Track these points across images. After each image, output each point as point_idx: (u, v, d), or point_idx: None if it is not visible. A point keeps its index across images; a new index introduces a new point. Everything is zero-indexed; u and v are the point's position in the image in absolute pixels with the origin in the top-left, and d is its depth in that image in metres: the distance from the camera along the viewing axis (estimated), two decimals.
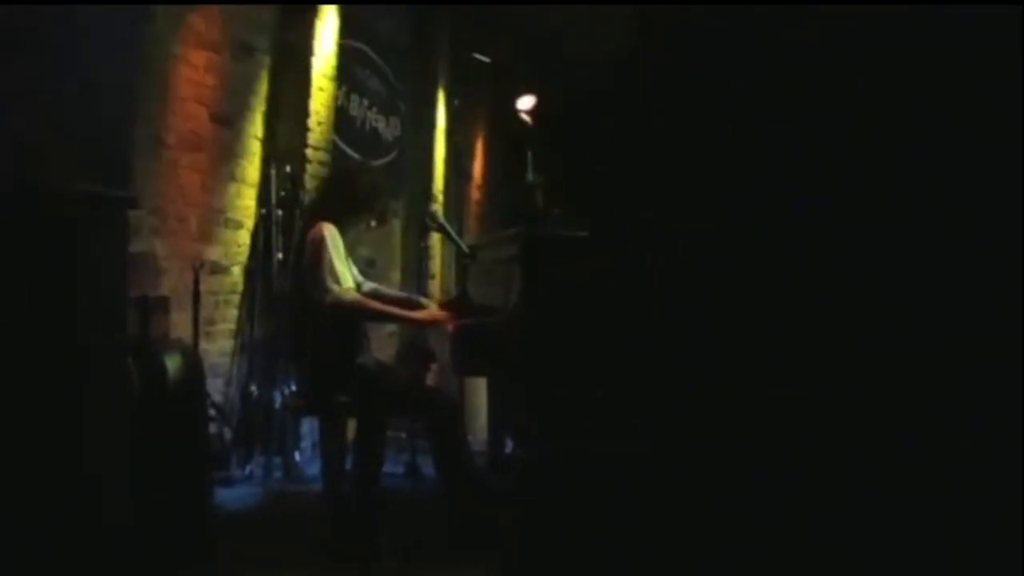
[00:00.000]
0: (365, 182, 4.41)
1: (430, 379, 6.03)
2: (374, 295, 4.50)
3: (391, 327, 7.79)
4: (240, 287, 5.79)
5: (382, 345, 7.54)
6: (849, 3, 0.87)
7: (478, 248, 4.73)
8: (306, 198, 5.89)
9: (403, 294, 4.71)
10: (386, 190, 4.60)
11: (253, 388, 5.63)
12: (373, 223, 4.44)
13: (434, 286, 8.34)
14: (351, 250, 4.42)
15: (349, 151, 7.00)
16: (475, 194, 10.11)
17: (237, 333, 5.74)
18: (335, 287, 4.05)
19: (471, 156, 9.89)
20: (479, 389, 5.59)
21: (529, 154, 4.50)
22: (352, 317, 4.18)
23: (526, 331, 3.23)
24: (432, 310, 4.41)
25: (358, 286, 4.42)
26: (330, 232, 4.14)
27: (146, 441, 3.49)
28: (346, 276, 4.15)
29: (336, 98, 6.62)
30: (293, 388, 5.35)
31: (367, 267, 6.13)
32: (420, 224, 5.39)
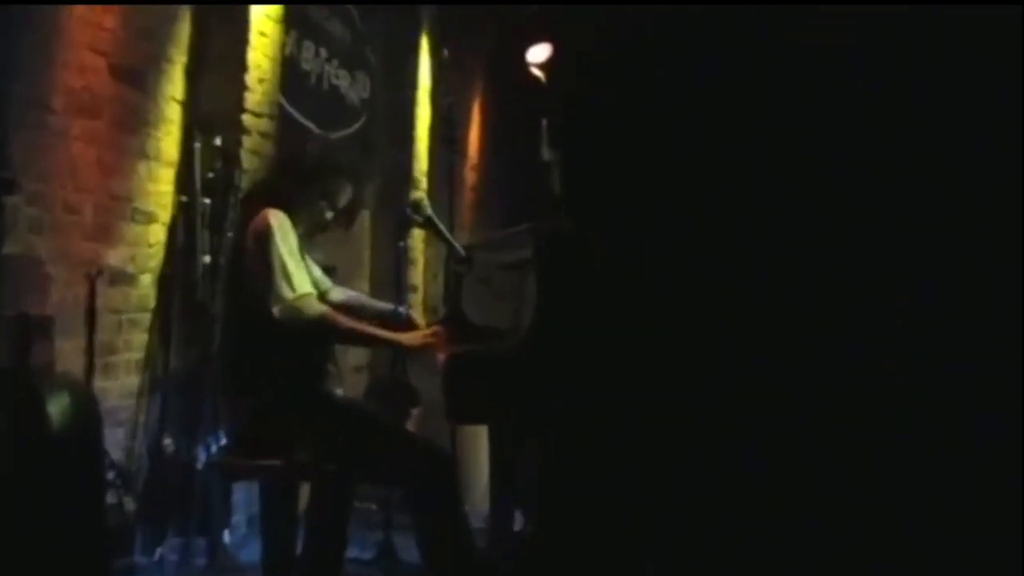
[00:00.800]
0: (327, 166, 4.45)
1: (412, 427, 5.98)
2: (347, 307, 4.52)
3: (358, 355, 7.74)
4: (152, 302, 5.75)
5: (346, 382, 7.50)
6: (850, 3, 1.13)
7: (476, 249, 4.70)
8: (243, 181, 5.85)
9: (387, 305, 4.71)
10: (358, 174, 4.60)
11: (167, 441, 5.59)
12: (329, 215, 4.44)
13: (415, 301, 8.31)
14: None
15: (300, 118, 6.97)
16: (471, 176, 10.10)
17: (147, 366, 5.69)
18: (289, 295, 4.03)
19: (465, 126, 9.88)
20: (479, 442, 5.55)
21: (543, 123, 4.50)
22: (314, 338, 4.17)
23: (544, 364, 3.20)
24: (422, 331, 4.40)
25: (323, 294, 4.41)
26: (278, 221, 4.14)
27: (19, 514, 3.44)
28: (303, 280, 4.13)
29: (283, 47, 6.59)
30: (223, 441, 5.29)
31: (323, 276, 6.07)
32: (397, 217, 5.33)
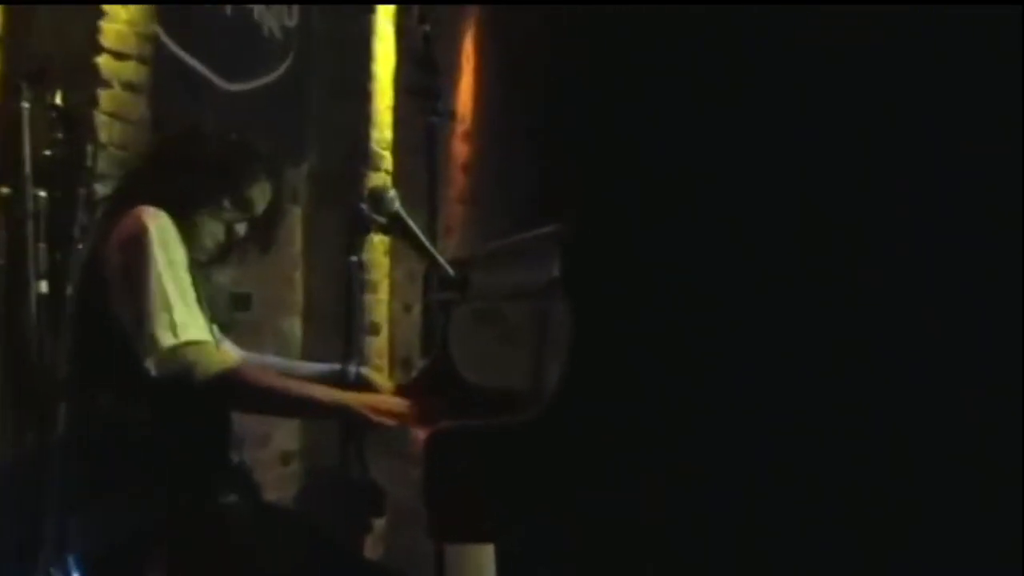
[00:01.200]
0: (232, 150, 4.46)
1: (372, 550, 5.99)
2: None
3: (288, 435, 7.76)
4: None
5: (269, 479, 7.52)
6: (851, 2, 1.43)
7: (473, 267, 4.71)
8: (99, 162, 5.88)
9: (325, 367, 4.71)
10: (276, 167, 4.60)
11: None
12: (240, 230, 4.44)
13: (377, 349, 8.33)
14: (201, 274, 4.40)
15: (190, 60, 7.00)
16: (461, 148, 10.14)
17: None
18: (167, 340, 4.04)
19: (452, 67, 9.91)
20: (481, 571, 5.57)
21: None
22: (212, 409, 4.18)
23: (582, 447, 3.21)
24: (382, 397, 4.40)
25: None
26: (157, 224, 4.14)
27: None
28: (191, 317, 4.13)
29: None
30: (75, 575, 5.32)
31: (233, 311, 6.11)
32: (345, 216, 5.34)
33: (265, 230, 4.55)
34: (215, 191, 4.36)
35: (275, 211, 4.56)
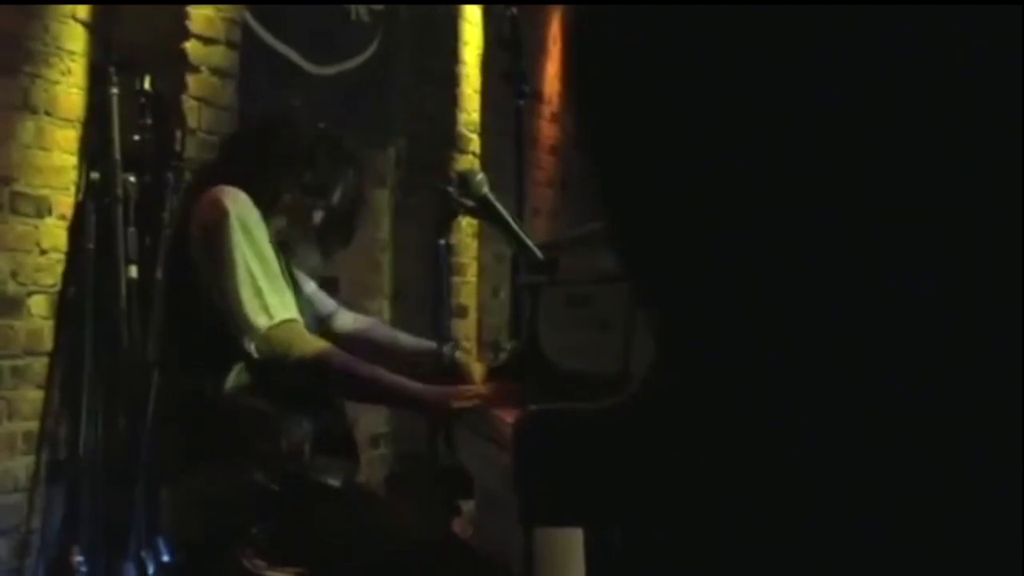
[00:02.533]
0: (309, 128, 4.46)
1: (461, 530, 5.99)
2: (363, 342, 4.58)
3: (376, 419, 7.77)
4: (48, 342, 5.83)
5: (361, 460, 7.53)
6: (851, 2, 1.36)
7: (562, 250, 4.69)
8: (185, 143, 5.89)
9: (426, 343, 4.71)
10: (355, 159, 4.59)
11: (79, 559, 5.64)
12: (316, 217, 4.44)
13: (466, 332, 8.32)
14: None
15: (278, 45, 7.01)
16: (549, 130, 10.12)
17: (42, 441, 5.76)
18: (261, 321, 4.04)
19: (539, 51, 9.90)
20: (569, 554, 5.56)
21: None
22: (303, 385, 4.19)
23: (675, 430, 3.18)
24: (470, 387, 4.39)
25: (322, 322, 4.43)
26: (237, 204, 4.14)
27: None
28: (280, 297, 4.13)
29: None
30: (166, 557, 5.34)
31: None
32: (434, 200, 5.34)
33: (345, 222, 4.55)
34: (296, 179, 4.36)
35: (355, 203, 4.56)
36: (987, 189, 1.37)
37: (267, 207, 4.25)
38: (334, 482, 4.29)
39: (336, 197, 4.43)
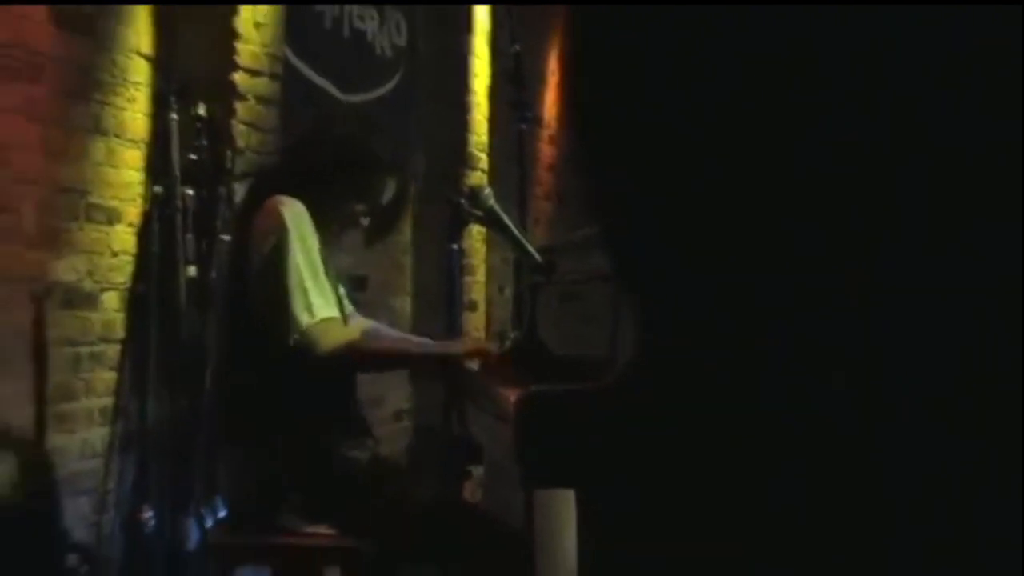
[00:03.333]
0: (365, 158, 4.42)
1: (471, 494, 5.99)
2: (370, 337, 4.56)
3: (399, 398, 7.77)
4: (120, 330, 5.83)
5: (384, 433, 7.53)
6: (851, 2, 1.32)
7: (559, 253, 4.69)
8: (237, 164, 5.90)
9: (429, 343, 4.71)
10: (400, 166, 4.57)
11: (148, 515, 5.64)
12: (364, 221, 4.45)
13: (475, 324, 8.32)
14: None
15: (314, 77, 7.01)
16: (547, 150, 10.11)
17: (116, 415, 5.77)
18: (305, 319, 4.05)
19: (538, 82, 9.89)
20: (564, 514, 5.56)
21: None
22: (340, 374, 4.22)
23: (655, 406, 3.19)
24: (471, 338, 4.41)
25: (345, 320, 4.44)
26: (294, 215, 4.15)
27: None
28: (324, 299, 4.13)
29: None
30: (222, 513, 5.34)
31: (351, 291, 6.13)
32: (447, 210, 5.34)
33: (389, 219, 4.56)
34: (344, 188, 4.36)
35: (399, 204, 4.57)
36: (976, 188, 1.33)
37: (317, 213, 4.26)
38: (362, 456, 4.31)
39: (382, 203, 4.44)
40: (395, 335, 4.89)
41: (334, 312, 4.17)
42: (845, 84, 1.34)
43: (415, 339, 4.43)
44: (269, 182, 4.45)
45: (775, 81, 1.33)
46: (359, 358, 4.20)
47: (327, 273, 4.24)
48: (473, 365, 4.29)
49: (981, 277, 1.40)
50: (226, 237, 5.75)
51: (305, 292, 4.07)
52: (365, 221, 4.45)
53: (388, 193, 4.45)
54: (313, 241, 4.16)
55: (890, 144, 1.37)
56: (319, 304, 4.09)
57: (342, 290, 4.57)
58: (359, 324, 4.68)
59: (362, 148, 4.42)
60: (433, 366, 4.64)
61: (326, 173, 4.33)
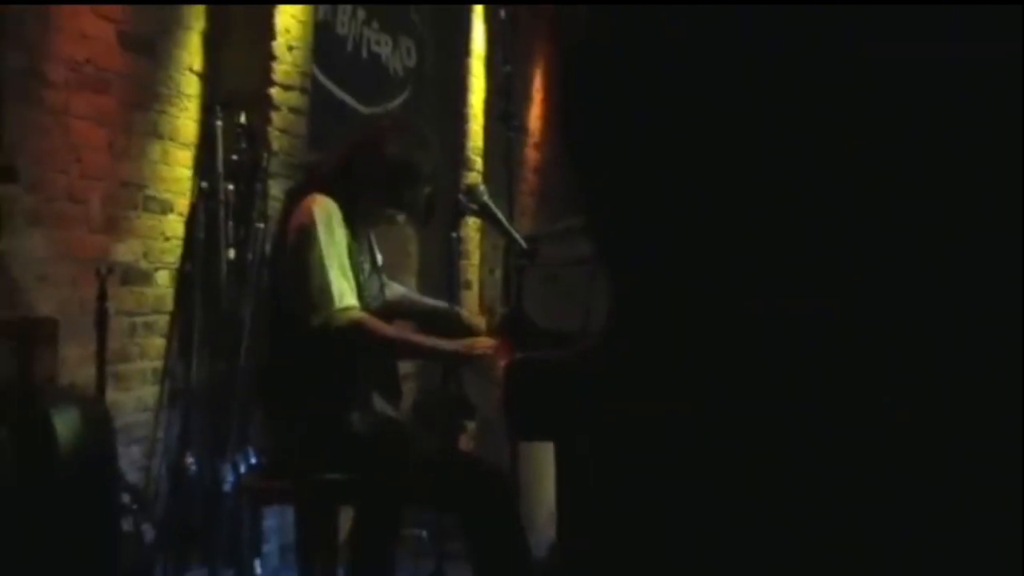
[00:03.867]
0: (398, 154, 4.38)
1: (465, 445, 5.97)
2: (398, 306, 4.57)
3: (406, 364, 7.75)
4: (169, 303, 5.81)
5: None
6: (851, 2, 1.22)
7: (540, 241, 4.68)
8: (269, 162, 5.88)
9: (440, 304, 4.72)
10: (434, 178, 4.54)
11: (190, 461, 5.63)
12: (399, 219, 4.45)
13: (470, 300, 8.30)
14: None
15: (337, 91, 6.98)
16: (533, 156, 10.09)
17: (165, 375, 5.76)
18: (328, 305, 4.02)
19: (526, 98, 9.87)
20: (544, 461, 5.54)
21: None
22: (353, 348, 4.17)
23: (621, 371, 3.17)
24: (476, 339, 4.38)
25: (378, 294, 4.41)
26: (324, 212, 4.13)
27: (25, 545, 3.46)
28: (346, 288, 4.10)
29: (316, 8, 6.63)
30: (253, 461, 5.32)
31: None
32: (448, 205, 5.33)
33: (424, 215, 4.53)
34: (387, 198, 4.35)
35: (432, 203, 4.53)
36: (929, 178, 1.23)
37: (357, 214, 4.24)
38: (393, 413, 4.32)
39: (416, 207, 4.42)
40: (423, 304, 4.85)
41: (352, 300, 4.14)
42: (806, 83, 1.25)
43: (419, 338, 4.39)
44: (316, 181, 4.41)
45: (733, 86, 1.26)
46: (369, 339, 4.16)
47: (353, 264, 4.20)
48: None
49: (980, 276, 1.30)
50: (261, 225, 5.75)
51: (328, 281, 4.04)
52: (400, 218, 4.44)
53: (423, 202, 4.44)
54: (341, 235, 4.13)
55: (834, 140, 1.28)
56: (341, 291, 4.07)
57: (372, 271, 4.53)
58: (398, 291, 4.75)
59: (412, 167, 4.38)
60: (441, 359, 4.64)
61: (373, 184, 4.30)
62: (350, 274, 4.17)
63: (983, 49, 1.23)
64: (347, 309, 4.08)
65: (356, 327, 4.10)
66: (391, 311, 4.46)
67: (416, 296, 4.98)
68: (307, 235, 4.07)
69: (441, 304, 4.73)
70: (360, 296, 4.21)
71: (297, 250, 4.09)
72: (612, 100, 1.29)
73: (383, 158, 4.33)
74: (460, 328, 4.49)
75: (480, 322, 4.68)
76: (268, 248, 5.25)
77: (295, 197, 4.37)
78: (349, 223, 4.20)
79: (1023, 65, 1.23)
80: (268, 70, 6.10)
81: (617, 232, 1.36)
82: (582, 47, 1.33)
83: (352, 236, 4.21)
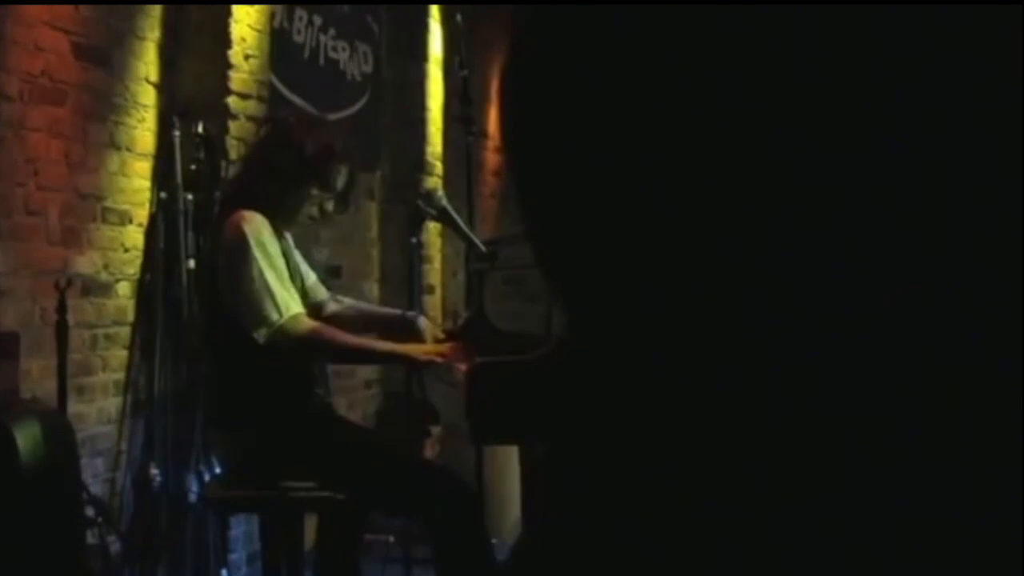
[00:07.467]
0: (311, 141, 4.35)
1: (430, 450, 5.98)
2: (345, 317, 4.53)
3: (369, 369, 7.74)
4: (130, 315, 5.78)
5: (356, 399, 7.52)
6: (850, 2, 1.22)
7: (501, 244, 4.68)
8: (228, 171, 5.87)
9: (394, 311, 4.70)
10: (350, 155, 4.55)
11: (154, 471, 5.61)
12: (328, 206, 4.41)
13: (433, 304, 8.30)
14: (304, 251, 4.38)
15: (295, 98, 6.97)
16: (492, 158, 10.09)
17: (127, 387, 5.73)
18: (275, 317, 4.01)
19: (484, 101, 9.87)
20: (508, 465, 5.54)
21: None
22: (307, 356, 4.15)
23: (584, 375, 3.17)
24: (434, 345, 4.38)
25: (317, 307, 4.41)
26: (253, 227, 4.10)
27: None
28: (288, 297, 4.09)
29: (272, 16, 6.60)
30: (217, 470, 5.31)
31: (328, 278, 6.10)
32: (408, 210, 5.34)
33: (344, 197, 4.51)
34: (304, 189, 4.32)
35: (351, 184, 4.51)
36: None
37: (284, 212, 4.24)
38: (343, 421, 4.32)
39: (338, 186, 4.39)
40: (368, 308, 4.88)
41: (298, 308, 4.14)
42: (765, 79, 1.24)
43: (374, 343, 4.40)
44: (242, 192, 4.41)
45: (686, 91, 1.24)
46: (321, 347, 4.16)
47: (291, 272, 4.21)
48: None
49: (980, 276, 1.29)
50: (202, 244, 5.74)
51: (272, 294, 4.03)
52: (329, 205, 4.40)
53: (342, 179, 4.41)
54: (274, 248, 4.12)
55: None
56: (285, 301, 4.06)
57: (313, 278, 4.55)
58: (337, 303, 4.67)
59: (327, 145, 4.36)
60: (396, 363, 4.64)
61: (298, 172, 4.28)
62: (289, 284, 4.16)
63: (982, 48, 1.23)
64: (295, 317, 4.07)
65: (310, 335, 4.09)
66: (344, 322, 4.45)
67: (366, 305, 4.98)
68: (241, 252, 4.05)
69: (392, 311, 4.73)
70: (304, 304, 4.22)
71: (234, 268, 4.07)
72: (556, 102, 1.27)
73: (300, 146, 4.31)
74: (415, 335, 4.47)
75: (435, 328, 4.67)
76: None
77: (222, 214, 4.36)
78: (279, 233, 4.20)
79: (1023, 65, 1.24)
80: (225, 79, 6.08)
81: (563, 237, 1.33)
82: (524, 45, 1.31)
83: (283, 246, 4.21)
